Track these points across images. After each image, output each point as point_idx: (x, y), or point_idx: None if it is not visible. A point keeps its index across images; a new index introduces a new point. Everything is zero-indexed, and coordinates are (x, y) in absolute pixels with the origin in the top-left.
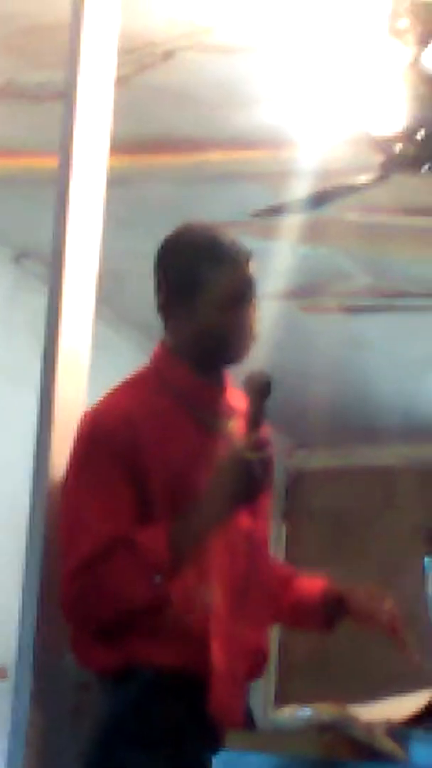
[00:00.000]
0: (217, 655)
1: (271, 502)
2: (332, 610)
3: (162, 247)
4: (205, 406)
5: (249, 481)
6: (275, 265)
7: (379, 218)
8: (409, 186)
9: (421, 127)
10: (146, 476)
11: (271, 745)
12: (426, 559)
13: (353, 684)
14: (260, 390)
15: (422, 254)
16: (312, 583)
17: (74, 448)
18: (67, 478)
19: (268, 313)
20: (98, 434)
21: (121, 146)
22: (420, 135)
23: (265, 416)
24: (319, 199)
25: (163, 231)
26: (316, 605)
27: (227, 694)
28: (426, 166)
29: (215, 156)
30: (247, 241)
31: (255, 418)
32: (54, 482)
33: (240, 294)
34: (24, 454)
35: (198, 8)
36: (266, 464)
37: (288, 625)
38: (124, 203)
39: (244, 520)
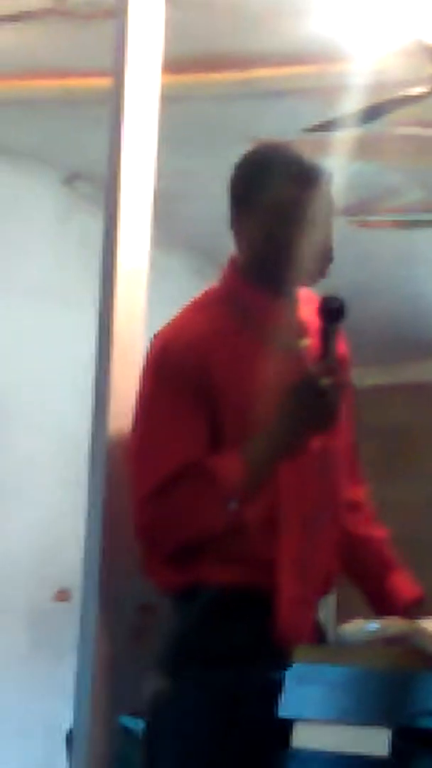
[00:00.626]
0: (287, 575)
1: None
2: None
3: (237, 164)
4: (277, 326)
5: (323, 409)
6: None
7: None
8: None
9: None
10: (218, 400)
11: (340, 658)
12: None
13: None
14: (334, 314)
15: None
16: (406, 584)
17: (145, 374)
18: (138, 405)
19: None
20: (169, 360)
21: (170, 64)
22: None
23: (338, 341)
24: (372, 113)
25: (216, 150)
26: (398, 603)
27: (297, 613)
28: None
29: (266, 72)
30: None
31: (329, 344)
32: (115, 409)
33: (314, 213)
34: (75, 377)
35: None
36: (341, 389)
37: (363, 589)
38: (175, 122)
39: (316, 442)
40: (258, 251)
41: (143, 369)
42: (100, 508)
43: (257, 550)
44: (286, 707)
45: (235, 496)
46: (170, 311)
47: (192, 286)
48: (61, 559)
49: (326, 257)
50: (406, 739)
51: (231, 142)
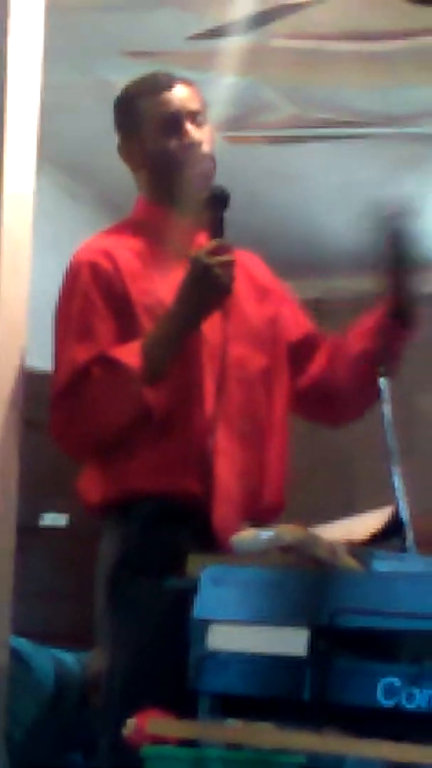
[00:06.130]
0: (219, 470)
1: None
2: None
3: (121, 92)
4: (180, 239)
5: (211, 284)
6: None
7: (308, 44)
8: (347, 8)
9: None
10: (128, 304)
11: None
12: (381, 381)
13: (314, 506)
14: (218, 202)
15: (348, 80)
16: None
17: (61, 287)
18: (54, 318)
19: None
20: (79, 268)
21: None
22: None
23: (223, 227)
24: (256, 21)
25: (97, 61)
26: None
27: (228, 516)
28: None
29: None
30: (177, 70)
31: (214, 229)
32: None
33: (173, 117)
34: None
35: None
36: (228, 267)
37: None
38: (56, 33)
39: (236, 350)
40: (145, 173)
41: (62, 282)
42: None
43: (184, 451)
44: (202, 609)
45: (138, 379)
46: (39, 228)
47: (60, 204)
48: None
49: (203, 159)
50: (325, 639)
51: (108, 55)
